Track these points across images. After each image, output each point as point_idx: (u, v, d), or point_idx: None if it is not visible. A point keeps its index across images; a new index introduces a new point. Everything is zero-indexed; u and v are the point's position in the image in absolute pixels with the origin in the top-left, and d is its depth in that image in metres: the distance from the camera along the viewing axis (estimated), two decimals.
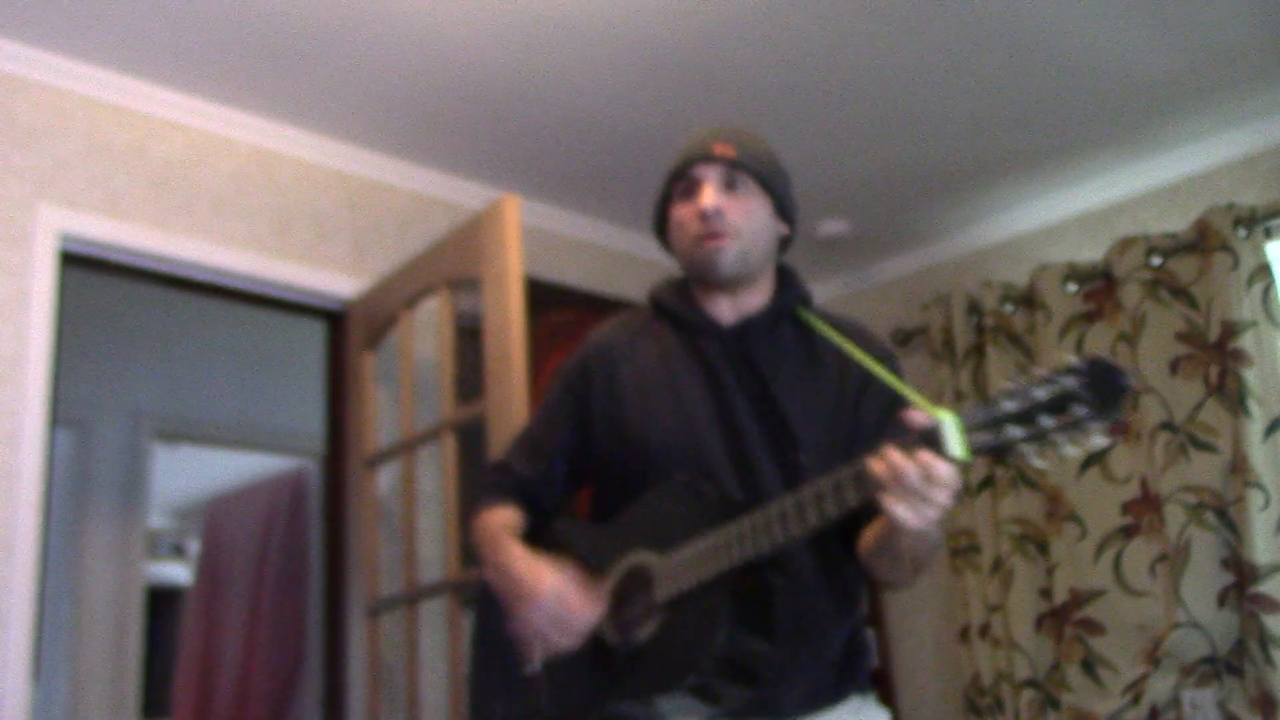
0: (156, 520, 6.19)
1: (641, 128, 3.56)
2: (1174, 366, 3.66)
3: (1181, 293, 3.70)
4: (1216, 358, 3.56)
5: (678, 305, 1.73)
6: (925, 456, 1.22)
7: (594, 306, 3.85)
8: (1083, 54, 3.31)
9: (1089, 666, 3.69)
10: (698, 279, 1.70)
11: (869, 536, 1.49)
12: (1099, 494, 3.79)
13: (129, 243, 3.07)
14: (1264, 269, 3.54)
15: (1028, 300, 4.10)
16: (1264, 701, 3.30)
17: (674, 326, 1.72)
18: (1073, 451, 1.15)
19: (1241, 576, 3.41)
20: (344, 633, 3.25)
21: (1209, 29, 3.23)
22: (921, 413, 1.26)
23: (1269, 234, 3.59)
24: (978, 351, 4.20)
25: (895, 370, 1.63)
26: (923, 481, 1.22)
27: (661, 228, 1.77)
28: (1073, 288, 3.98)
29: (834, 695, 1.59)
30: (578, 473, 1.74)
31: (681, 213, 1.69)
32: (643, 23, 3.03)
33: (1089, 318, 3.93)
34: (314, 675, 4.54)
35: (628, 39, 3.10)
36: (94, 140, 3.08)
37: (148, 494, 4.84)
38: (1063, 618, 3.77)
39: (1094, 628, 3.71)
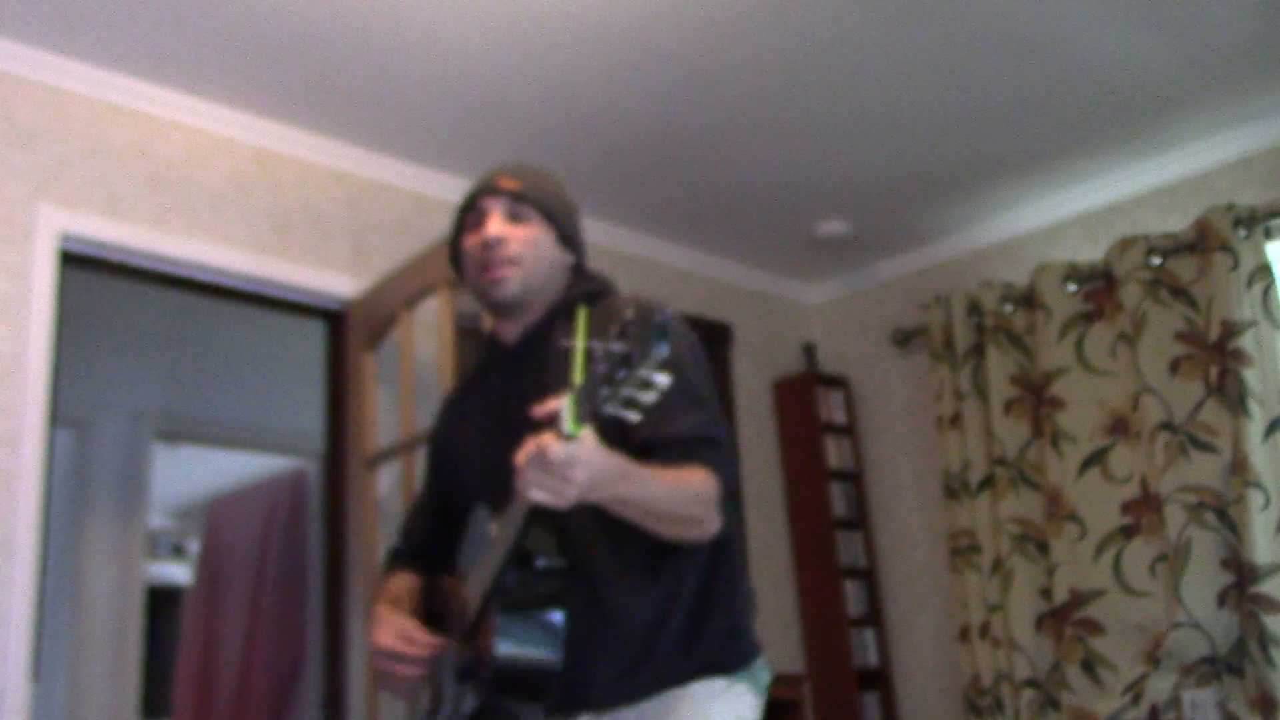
0: (156, 520, 6.18)
1: (641, 128, 3.56)
2: (1174, 366, 3.66)
3: (1181, 293, 3.70)
4: (1216, 358, 3.56)
5: (482, 341, 1.86)
6: (533, 444, 1.28)
7: None
8: (1082, 54, 3.31)
9: (1089, 666, 3.69)
10: (485, 307, 1.79)
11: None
12: (1099, 494, 3.79)
13: (129, 243, 3.07)
14: (1264, 269, 3.54)
15: (1028, 300, 4.10)
16: (1264, 701, 3.30)
17: (483, 361, 1.85)
18: (648, 398, 1.19)
19: (1241, 576, 3.41)
20: (344, 633, 3.25)
21: (1209, 29, 3.23)
22: (552, 403, 1.29)
23: (1269, 234, 3.59)
24: (978, 351, 4.20)
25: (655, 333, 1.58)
26: (539, 468, 1.28)
27: (457, 260, 1.83)
28: (1073, 288, 3.98)
29: (663, 679, 1.55)
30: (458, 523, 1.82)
31: (469, 243, 1.75)
32: (643, 23, 3.03)
33: (1089, 318, 3.94)
34: (314, 675, 4.54)
35: (628, 40, 3.10)
36: (94, 140, 3.08)
37: (148, 494, 4.84)
38: (1063, 618, 3.77)
39: (1094, 628, 3.70)
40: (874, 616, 4.52)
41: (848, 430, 4.71)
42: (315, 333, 3.65)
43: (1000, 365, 4.09)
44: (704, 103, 3.43)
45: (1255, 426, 3.43)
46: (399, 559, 1.89)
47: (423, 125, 3.49)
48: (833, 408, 4.70)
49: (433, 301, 3.16)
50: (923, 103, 3.52)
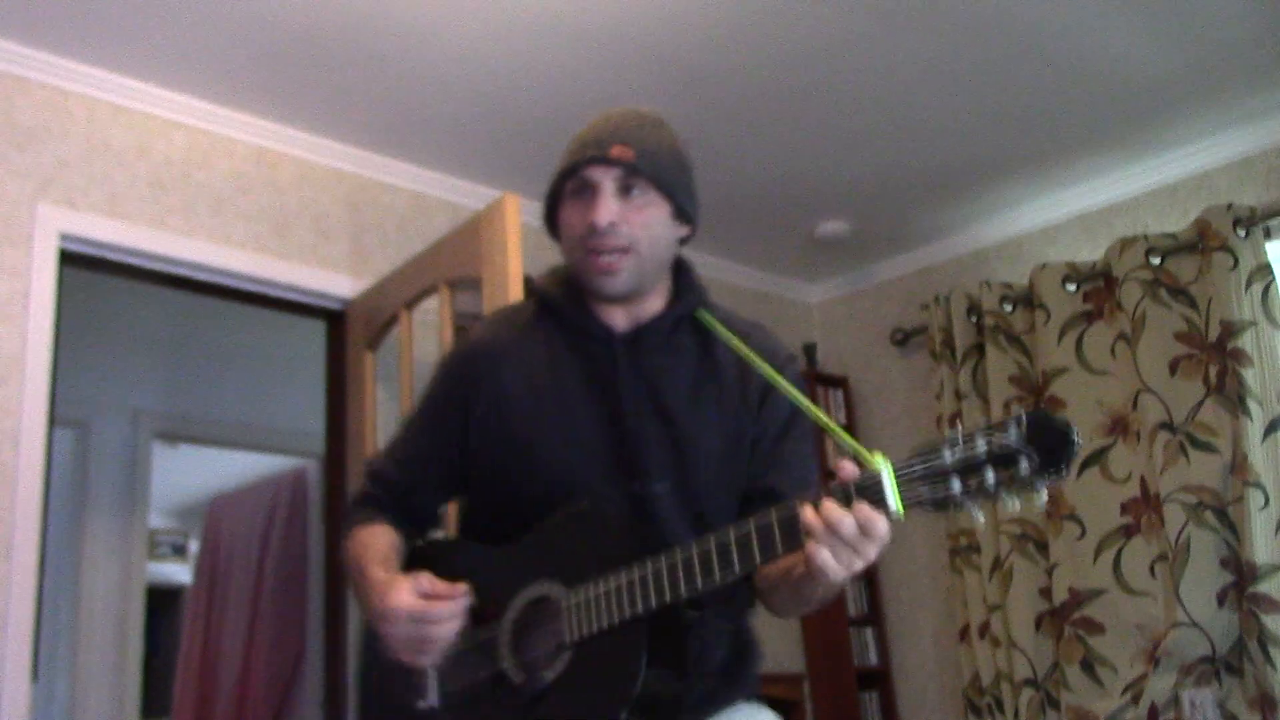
0: (156, 520, 6.19)
1: None
2: (1174, 366, 3.66)
3: (1181, 293, 3.70)
4: (1216, 358, 3.56)
5: (567, 307, 1.59)
6: (865, 511, 1.18)
7: None
8: (1082, 54, 3.31)
9: (1089, 666, 3.69)
10: (588, 289, 1.58)
11: (774, 571, 1.41)
12: (1099, 494, 3.79)
13: (129, 243, 3.07)
14: (1263, 269, 3.54)
15: (1027, 300, 4.10)
16: (1263, 701, 3.30)
17: (562, 328, 1.59)
18: (1015, 505, 1.12)
19: (1241, 576, 3.41)
20: (344, 633, 3.26)
21: (1209, 29, 3.23)
22: (852, 464, 1.21)
23: (1269, 234, 3.59)
24: (978, 351, 4.20)
25: (794, 380, 1.55)
26: (858, 536, 1.19)
27: (552, 221, 1.63)
28: (1072, 288, 3.98)
29: (720, 702, 1.51)
30: (451, 478, 1.62)
31: (572, 217, 1.54)
32: (642, 24, 3.03)
33: (1088, 318, 3.94)
34: (314, 675, 4.54)
35: (627, 40, 3.10)
36: (94, 140, 3.08)
37: (148, 494, 4.84)
38: (1062, 617, 3.77)
39: (1094, 627, 3.71)
40: (874, 616, 4.52)
41: (847, 430, 4.71)
42: (315, 333, 3.65)
43: (1000, 365, 4.09)
44: (704, 104, 3.43)
45: (1255, 426, 3.43)
46: (375, 506, 1.62)
47: (422, 125, 3.49)
48: (832, 407, 4.71)
49: (433, 301, 3.16)
50: (923, 104, 3.53)
